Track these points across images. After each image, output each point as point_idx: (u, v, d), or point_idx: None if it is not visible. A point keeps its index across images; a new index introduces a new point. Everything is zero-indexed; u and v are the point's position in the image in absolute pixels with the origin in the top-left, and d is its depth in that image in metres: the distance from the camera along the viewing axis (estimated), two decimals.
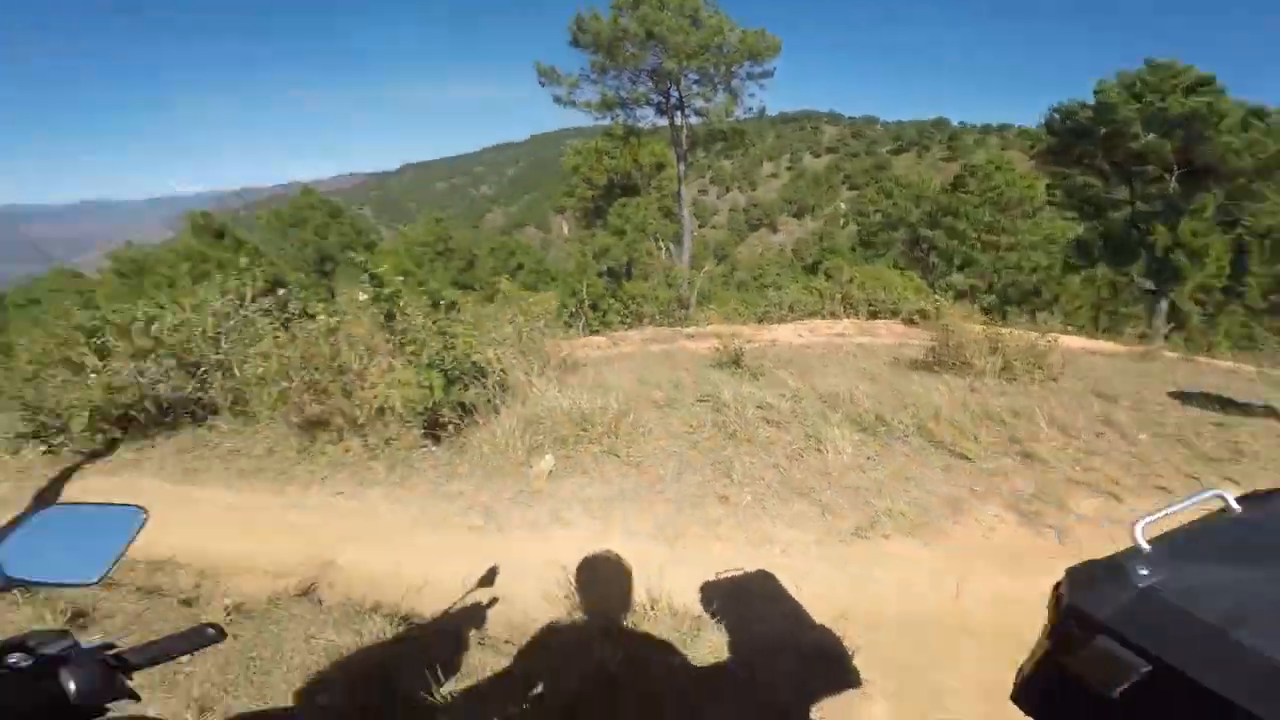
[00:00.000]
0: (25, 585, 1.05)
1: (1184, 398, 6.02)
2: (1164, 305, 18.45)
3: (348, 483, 4.49)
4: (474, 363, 5.10)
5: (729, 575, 2.98)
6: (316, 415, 4.77)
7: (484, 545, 3.64)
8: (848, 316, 14.10)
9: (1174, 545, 0.72)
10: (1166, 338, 15.76)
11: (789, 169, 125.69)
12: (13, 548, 1.02)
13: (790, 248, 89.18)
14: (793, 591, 2.90)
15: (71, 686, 0.85)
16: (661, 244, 19.96)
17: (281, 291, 6.89)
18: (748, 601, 2.92)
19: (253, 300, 6.62)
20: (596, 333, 11.46)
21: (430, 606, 3.00)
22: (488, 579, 2.91)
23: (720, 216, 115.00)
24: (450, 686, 2.30)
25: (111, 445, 5.58)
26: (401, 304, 5.18)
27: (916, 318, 12.33)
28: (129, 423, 5.63)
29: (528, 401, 4.98)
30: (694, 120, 21.48)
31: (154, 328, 5.70)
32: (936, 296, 13.77)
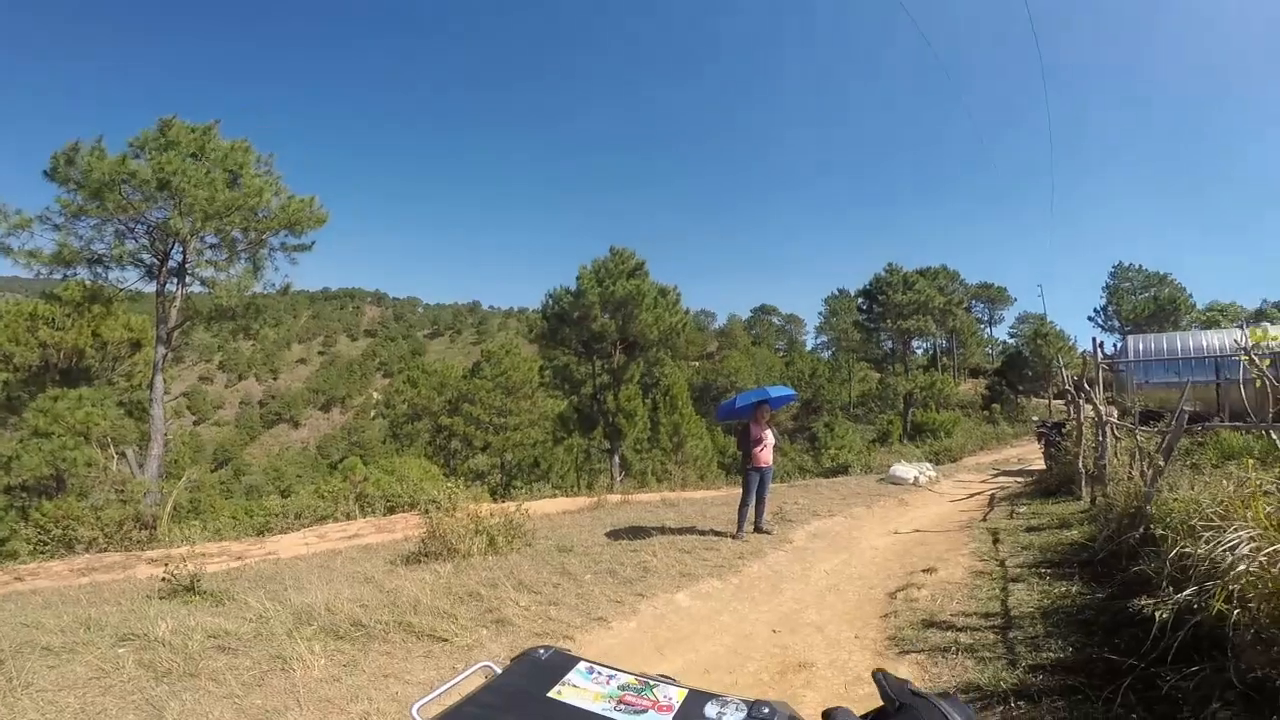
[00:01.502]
0: None
1: (614, 535, 7.60)
2: (617, 459, 23.35)
3: None
4: None
5: None
6: None
7: None
8: (364, 516, 13.54)
9: (444, 716, 0.83)
10: (622, 484, 19.81)
11: (321, 354, 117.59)
12: None
13: (315, 445, 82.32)
14: None
15: None
16: (113, 450, 15.55)
17: None
18: None
19: None
20: None
21: None
22: None
23: (228, 410, 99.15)
24: None
25: None
26: None
27: (430, 509, 12.72)
28: None
29: None
30: (197, 290, 17.60)
31: None
32: (449, 484, 14.53)
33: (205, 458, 67.14)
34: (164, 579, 5.79)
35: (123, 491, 13.36)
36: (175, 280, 17.21)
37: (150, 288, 17.46)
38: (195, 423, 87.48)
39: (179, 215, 15.96)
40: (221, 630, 4.51)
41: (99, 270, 16.98)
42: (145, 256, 17.01)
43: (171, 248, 16.95)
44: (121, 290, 18.07)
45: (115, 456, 15.07)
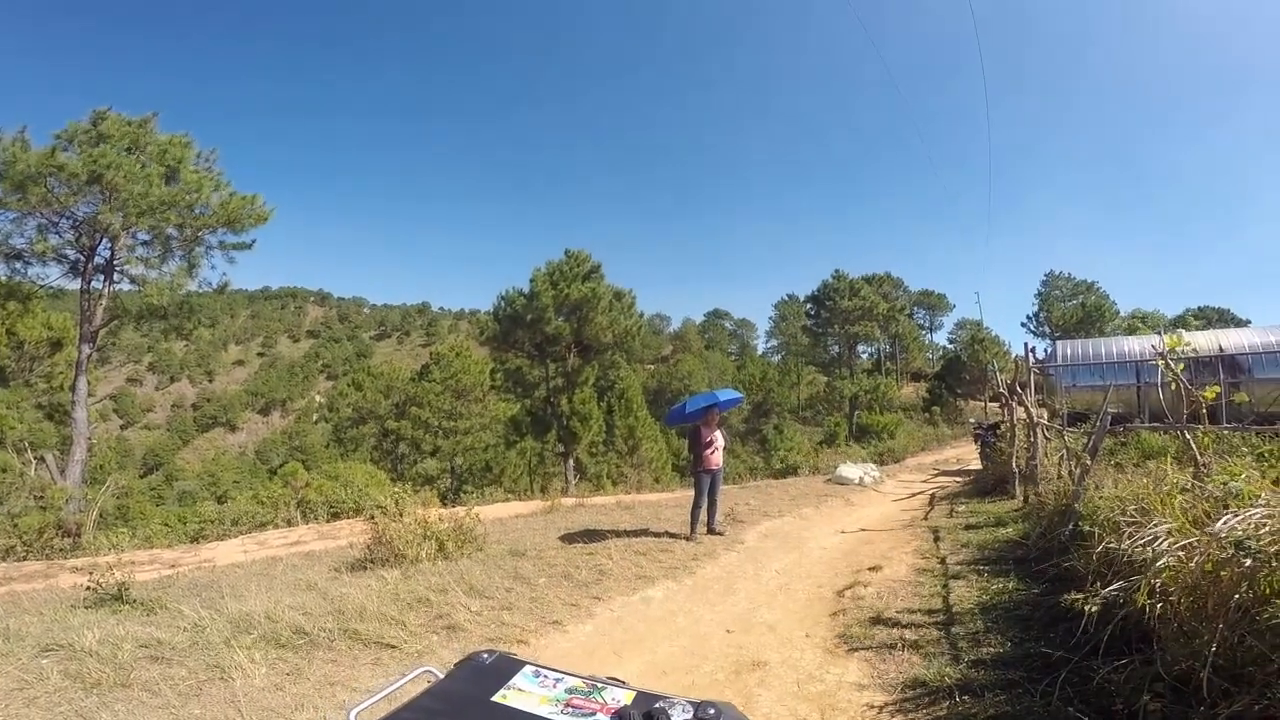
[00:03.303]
0: None
1: (569, 538, 7.57)
2: (572, 462, 23.22)
3: None
4: None
5: None
6: None
7: None
8: (306, 523, 13.11)
9: None
10: (576, 487, 19.73)
11: (260, 355, 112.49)
12: None
13: (254, 449, 79.05)
14: None
15: None
16: (31, 454, 14.60)
17: None
18: None
19: None
20: None
21: None
22: None
23: (159, 414, 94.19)
24: None
25: None
26: None
27: (377, 514, 12.49)
28: None
29: None
30: (125, 288, 16.90)
31: None
32: (396, 489, 14.18)
33: (133, 463, 63.77)
34: (89, 588, 5.52)
35: (42, 498, 12.52)
36: (102, 277, 16.44)
37: (74, 285, 16.66)
38: (123, 426, 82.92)
39: (109, 210, 15.29)
40: (153, 640, 4.33)
41: (17, 266, 16.16)
42: (69, 252, 16.21)
43: (99, 243, 16.20)
44: (41, 287, 17.12)
45: (33, 461, 14.09)
